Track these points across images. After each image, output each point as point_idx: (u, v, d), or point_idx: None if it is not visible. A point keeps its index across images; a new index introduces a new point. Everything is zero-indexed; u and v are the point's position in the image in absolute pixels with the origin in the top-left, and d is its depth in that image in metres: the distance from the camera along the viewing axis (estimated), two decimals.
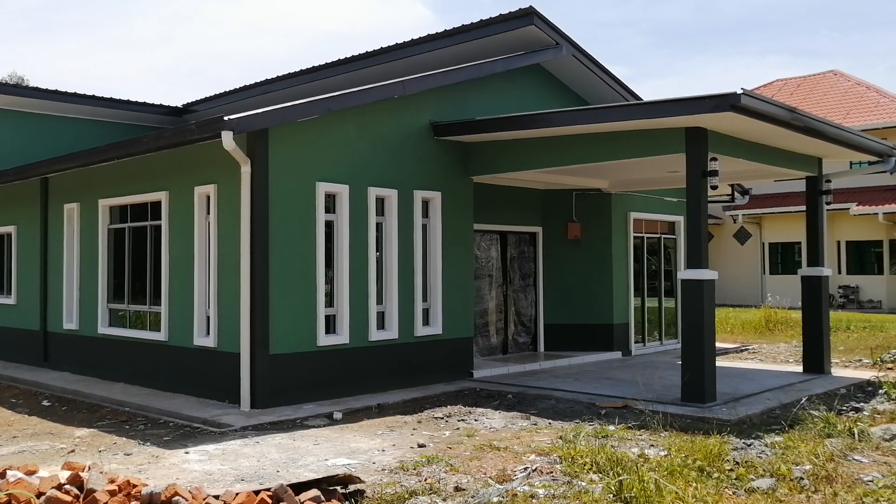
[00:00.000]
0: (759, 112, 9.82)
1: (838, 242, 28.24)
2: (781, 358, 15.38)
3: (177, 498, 4.77)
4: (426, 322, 12.17)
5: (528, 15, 13.46)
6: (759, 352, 16.45)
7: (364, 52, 15.30)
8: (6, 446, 8.42)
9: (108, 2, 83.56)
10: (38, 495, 4.57)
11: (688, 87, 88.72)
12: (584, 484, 6.15)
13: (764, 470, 6.72)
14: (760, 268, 30.16)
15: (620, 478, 5.66)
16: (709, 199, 13.50)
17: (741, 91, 9.32)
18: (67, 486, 4.67)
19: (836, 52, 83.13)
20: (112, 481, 4.85)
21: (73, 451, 8.10)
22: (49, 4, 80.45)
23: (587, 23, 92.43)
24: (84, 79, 73.08)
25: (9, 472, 4.84)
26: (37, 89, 17.37)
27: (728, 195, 18.03)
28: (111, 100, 18.11)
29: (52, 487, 4.62)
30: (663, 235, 17.01)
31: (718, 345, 16.32)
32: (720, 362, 13.51)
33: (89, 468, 4.98)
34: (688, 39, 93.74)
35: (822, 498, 5.97)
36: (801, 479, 6.41)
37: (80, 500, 4.62)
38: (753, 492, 6.10)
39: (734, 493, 6.11)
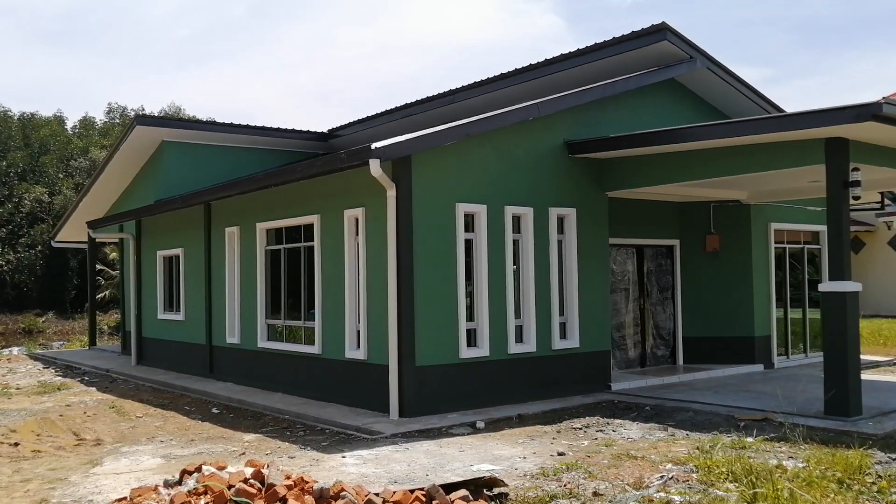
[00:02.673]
0: None
1: None
2: None
3: (344, 493, 5.40)
4: (563, 335, 12.49)
5: (661, 31, 13.61)
6: None
7: (499, 73, 15.84)
8: (187, 448, 9.42)
9: (250, 31, 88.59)
10: (229, 487, 5.30)
11: (835, 87, 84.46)
12: (719, 492, 6.34)
13: None
14: None
15: (755, 487, 5.83)
16: (856, 207, 13.19)
17: (883, 100, 9.19)
18: (252, 481, 5.39)
19: None
20: (288, 477, 5.54)
21: (243, 453, 8.97)
22: (198, 37, 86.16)
23: (725, 23, 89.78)
24: (232, 105, 77.77)
25: (204, 467, 5.65)
26: (198, 121, 18.92)
27: (877, 202, 17.39)
28: (263, 128, 19.44)
29: (240, 481, 5.36)
30: (806, 245, 16.58)
31: (869, 357, 15.77)
32: (870, 375, 13.13)
33: (268, 466, 5.70)
34: (836, 35, 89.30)
35: None
36: None
37: (263, 492, 5.32)
38: None
39: None
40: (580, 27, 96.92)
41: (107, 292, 33.20)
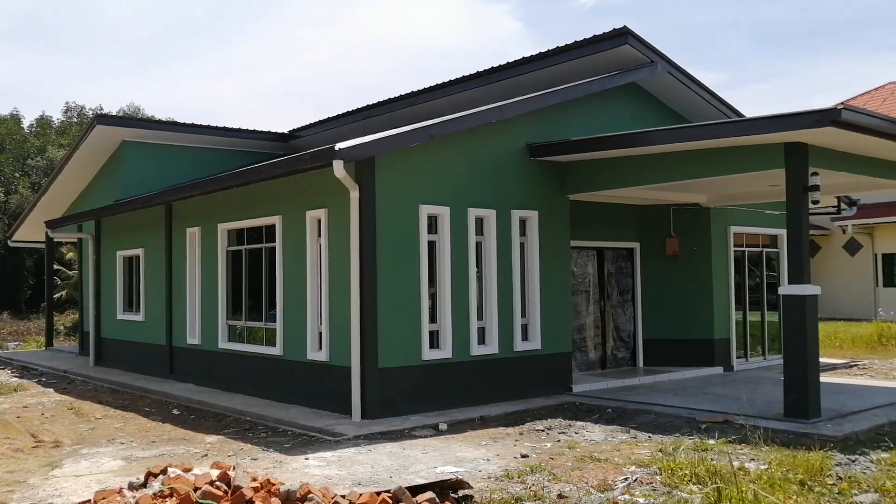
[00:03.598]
0: (862, 126, 9.77)
1: None
2: (894, 374, 14.99)
3: (311, 495, 5.35)
4: (525, 337, 12.52)
5: (623, 35, 13.74)
6: (870, 368, 16.06)
7: (461, 76, 15.85)
8: (148, 450, 9.26)
9: (210, 32, 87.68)
10: (195, 489, 5.22)
11: (791, 92, 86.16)
12: (683, 494, 6.40)
13: (868, 485, 6.79)
14: (873, 280, 29.08)
15: (718, 487, 5.89)
16: (814, 211, 13.40)
17: (842, 106, 9.36)
18: (218, 483, 5.32)
19: None
20: (254, 479, 5.48)
21: (205, 455, 8.84)
22: (158, 37, 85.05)
23: (684, 28, 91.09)
24: (193, 105, 76.89)
25: (169, 469, 5.56)
26: (159, 122, 18.69)
27: (834, 207, 17.71)
28: (224, 128, 19.23)
29: (206, 483, 5.28)
30: (765, 249, 16.86)
31: (826, 360, 16.06)
32: (827, 378, 13.36)
33: (234, 468, 5.62)
34: (793, 41, 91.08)
35: None
36: None
37: (229, 494, 5.25)
38: None
39: None
40: (539, 31, 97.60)
41: (63, 292, 32.58)
